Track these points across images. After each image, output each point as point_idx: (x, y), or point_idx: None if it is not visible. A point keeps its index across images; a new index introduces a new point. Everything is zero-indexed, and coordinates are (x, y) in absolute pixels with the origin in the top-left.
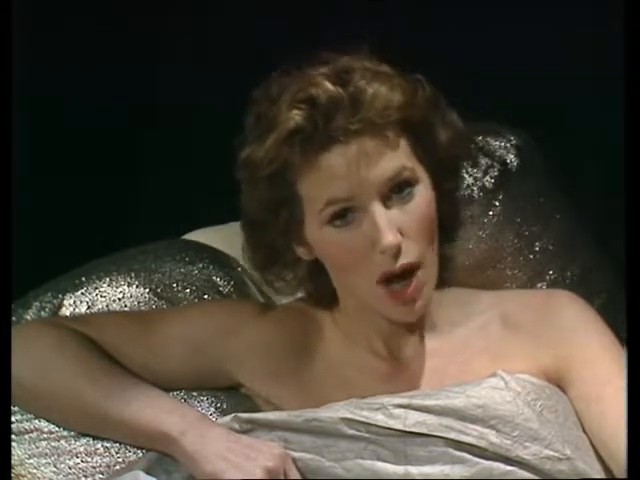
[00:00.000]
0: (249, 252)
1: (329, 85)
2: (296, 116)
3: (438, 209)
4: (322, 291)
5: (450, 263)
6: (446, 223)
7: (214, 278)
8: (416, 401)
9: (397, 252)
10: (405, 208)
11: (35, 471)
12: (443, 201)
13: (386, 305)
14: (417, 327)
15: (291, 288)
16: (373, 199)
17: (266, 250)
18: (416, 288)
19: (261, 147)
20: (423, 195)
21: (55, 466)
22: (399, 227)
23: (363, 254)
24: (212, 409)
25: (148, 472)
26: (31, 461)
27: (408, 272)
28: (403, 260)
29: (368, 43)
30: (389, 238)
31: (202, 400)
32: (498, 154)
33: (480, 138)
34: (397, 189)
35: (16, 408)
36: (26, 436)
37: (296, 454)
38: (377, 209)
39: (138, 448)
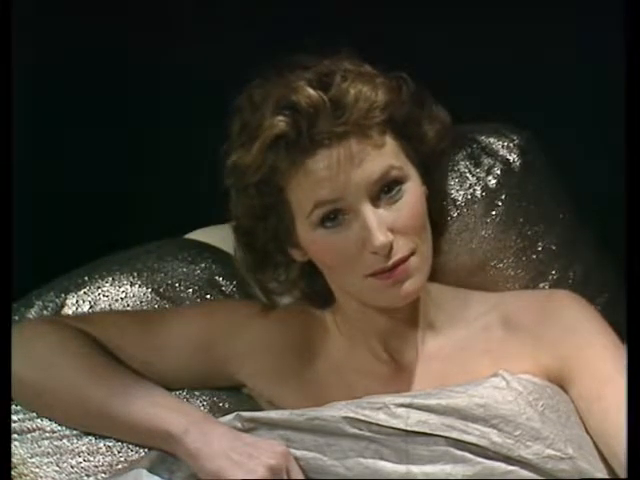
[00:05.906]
0: (241, 254)
1: (310, 90)
2: (280, 123)
3: (427, 202)
4: (316, 292)
5: (442, 254)
6: (435, 216)
7: (216, 278)
8: (418, 400)
9: (389, 251)
10: (395, 206)
11: (37, 470)
12: (432, 195)
13: (374, 290)
14: (417, 329)
15: (284, 289)
16: (362, 200)
17: (257, 253)
18: (405, 269)
19: (247, 154)
20: (412, 192)
21: (57, 465)
22: (390, 226)
23: (355, 254)
24: (214, 408)
25: (150, 471)
26: (33, 460)
27: (401, 265)
28: (395, 257)
29: (348, 45)
30: (380, 239)
31: (204, 399)
32: (501, 154)
33: (483, 138)
34: (386, 189)
35: (18, 407)
36: (28, 435)
37: (298, 452)
38: (367, 210)
39: (140, 447)
